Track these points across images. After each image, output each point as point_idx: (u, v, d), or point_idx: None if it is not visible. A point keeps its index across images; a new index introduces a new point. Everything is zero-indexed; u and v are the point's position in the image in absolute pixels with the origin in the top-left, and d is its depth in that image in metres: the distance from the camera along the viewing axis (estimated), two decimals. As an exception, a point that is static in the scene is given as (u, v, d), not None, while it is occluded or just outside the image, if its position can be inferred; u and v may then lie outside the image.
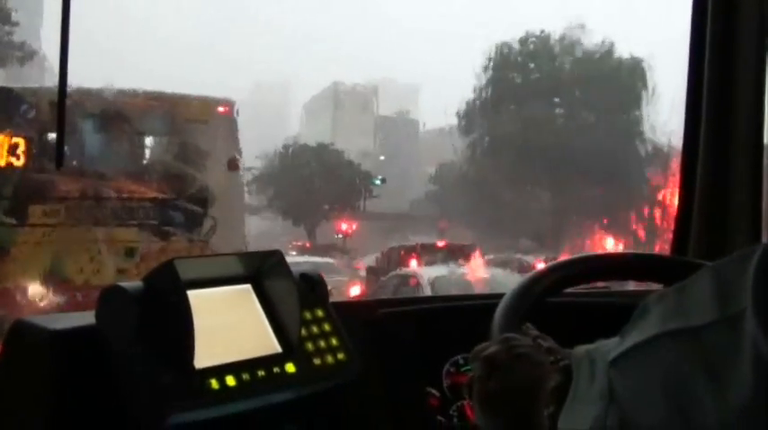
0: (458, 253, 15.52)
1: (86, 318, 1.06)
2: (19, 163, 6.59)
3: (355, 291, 13.17)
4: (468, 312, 1.46)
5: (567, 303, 1.46)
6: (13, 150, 6.55)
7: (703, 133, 1.73)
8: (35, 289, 6.46)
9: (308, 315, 1.18)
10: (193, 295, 1.04)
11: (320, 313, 1.21)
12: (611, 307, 1.45)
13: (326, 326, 1.20)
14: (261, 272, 1.18)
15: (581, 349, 0.80)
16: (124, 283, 1.04)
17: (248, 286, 1.18)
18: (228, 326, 1.12)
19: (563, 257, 1.29)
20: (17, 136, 6.60)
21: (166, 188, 7.19)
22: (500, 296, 1.15)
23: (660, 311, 0.68)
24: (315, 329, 1.18)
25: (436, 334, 1.41)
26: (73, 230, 6.74)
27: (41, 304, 6.33)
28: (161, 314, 1.02)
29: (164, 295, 1.03)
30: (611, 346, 0.73)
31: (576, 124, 26.21)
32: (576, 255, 1.30)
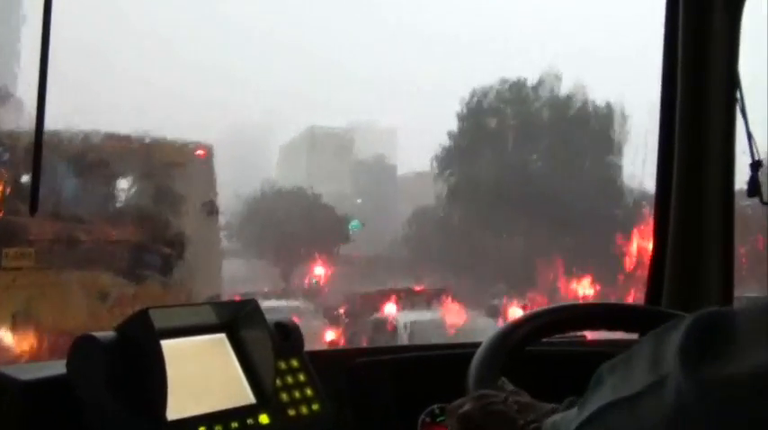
0: (434, 297, 15.48)
1: (57, 367, 1.05)
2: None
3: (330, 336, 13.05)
4: (444, 361, 1.46)
5: (542, 352, 1.46)
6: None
7: (675, 184, 1.76)
8: (4, 334, 6.34)
9: (282, 365, 1.17)
10: (167, 345, 1.03)
11: (295, 363, 1.20)
12: (586, 356, 1.45)
13: (301, 377, 1.19)
14: (236, 320, 1.17)
15: (549, 421, 0.82)
16: (96, 333, 1.02)
17: (223, 335, 1.16)
18: (202, 377, 1.10)
19: (539, 304, 1.30)
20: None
21: (141, 231, 7.14)
22: (476, 345, 1.15)
23: (611, 381, 0.69)
24: (289, 379, 1.17)
25: (412, 383, 1.40)
26: (45, 274, 6.65)
27: (10, 350, 6.21)
28: (134, 364, 1.00)
29: (137, 345, 1.02)
30: (572, 418, 0.74)
31: (552, 171, 26.47)
32: (550, 306, 1.30)
